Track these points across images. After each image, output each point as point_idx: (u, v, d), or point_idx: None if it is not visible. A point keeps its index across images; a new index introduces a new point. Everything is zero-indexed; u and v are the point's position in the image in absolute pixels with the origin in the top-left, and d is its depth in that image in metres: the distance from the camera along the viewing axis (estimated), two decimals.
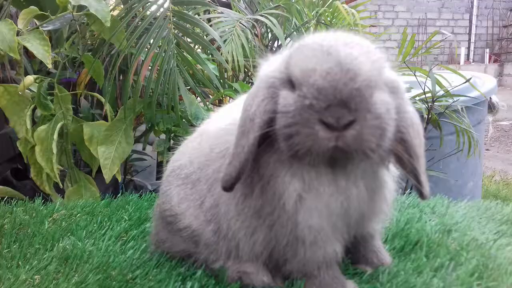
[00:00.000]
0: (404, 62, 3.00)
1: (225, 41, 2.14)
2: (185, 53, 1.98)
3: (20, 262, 1.03)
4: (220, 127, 1.00)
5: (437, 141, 3.04)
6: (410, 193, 1.54)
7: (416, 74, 2.97)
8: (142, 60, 1.96)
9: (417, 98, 2.85)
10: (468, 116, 2.79)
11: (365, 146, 0.76)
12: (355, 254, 1.06)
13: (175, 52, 1.93)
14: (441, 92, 2.70)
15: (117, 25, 1.93)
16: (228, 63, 2.19)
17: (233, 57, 2.22)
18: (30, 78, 1.92)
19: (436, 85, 2.84)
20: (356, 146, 0.76)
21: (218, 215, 0.96)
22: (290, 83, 0.81)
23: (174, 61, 1.92)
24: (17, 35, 1.76)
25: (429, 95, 2.77)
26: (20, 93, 1.91)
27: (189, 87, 2.05)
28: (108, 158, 1.99)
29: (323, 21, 2.86)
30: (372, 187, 0.91)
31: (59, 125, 1.90)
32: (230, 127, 0.91)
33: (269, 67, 0.90)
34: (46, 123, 1.93)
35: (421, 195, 0.89)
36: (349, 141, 0.75)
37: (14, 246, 1.12)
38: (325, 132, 0.74)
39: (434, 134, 3.02)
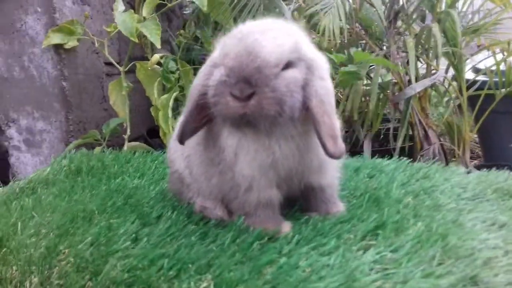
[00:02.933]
0: None
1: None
2: None
3: (86, 190, 1.51)
4: None
5: None
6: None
7: None
8: None
9: None
10: None
11: (264, 113, 1.00)
12: (307, 203, 1.27)
13: None
14: None
15: (221, 6, 2.32)
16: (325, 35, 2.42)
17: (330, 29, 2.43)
18: (156, 57, 2.44)
19: None
20: (257, 113, 1.00)
21: (190, 162, 1.28)
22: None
23: None
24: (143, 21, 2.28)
25: None
26: (149, 68, 2.45)
27: None
28: None
29: None
30: (300, 146, 1.13)
31: (174, 95, 2.39)
32: None
33: (217, 50, 1.18)
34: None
35: (327, 154, 1.07)
36: (252, 109, 1.00)
37: (92, 180, 1.61)
38: (234, 102, 1.00)
39: None
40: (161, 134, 2.51)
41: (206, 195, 1.26)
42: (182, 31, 2.62)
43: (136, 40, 2.24)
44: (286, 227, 1.18)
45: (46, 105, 2.44)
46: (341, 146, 1.07)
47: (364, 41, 3.04)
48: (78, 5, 2.50)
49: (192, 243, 1.11)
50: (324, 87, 1.08)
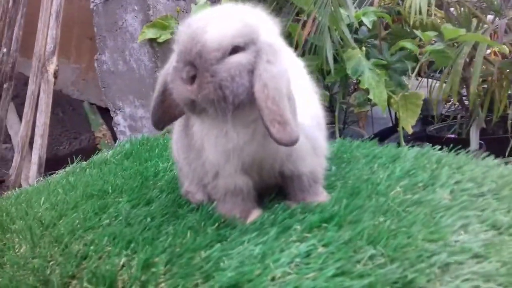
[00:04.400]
0: None
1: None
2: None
3: (122, 171, 1.65)
4: None
5: None
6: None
7: None
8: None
9: None
10: None
11: (205, 98, 1.01)
12: (286, 191, 1.22)
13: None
14: None
15: None
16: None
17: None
18: None
19: None
20: (200, 97, 1.02)
21: (177, 148, 1.33)
22: None
23: (327, 20, 2.14)
24: None
25: None
26: None
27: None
28: None
29: None
30: (259, 132, 1.10)
31: None
32: None
33: None
34: None
35: (273, 140, 1.02)
36: (195, 93, 1.02)
37: (132, 162, 1.75)
38: (182, 86, 1.04)
39: None
40: None
41: (190, 179, 1.29)
42: None
43: None
44: (254, 215, 1.16)
45: (144, 94, 2.69)
46: (291, 132, 1.01)
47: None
48: (172, 0, 2.69)
49: (154, 224, 1.16)
50: (270, 71, 1.02)
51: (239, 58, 1.01)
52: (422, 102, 2.40)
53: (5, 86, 2.44)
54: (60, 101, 4.20)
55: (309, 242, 0.96)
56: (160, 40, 2.59)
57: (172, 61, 1.11)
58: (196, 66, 0.98)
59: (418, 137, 2.78)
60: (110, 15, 2.68)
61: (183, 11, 2.69)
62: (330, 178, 1.31)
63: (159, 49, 2.62)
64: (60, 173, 1.84)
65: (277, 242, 0.99)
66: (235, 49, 1.01)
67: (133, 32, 2.65)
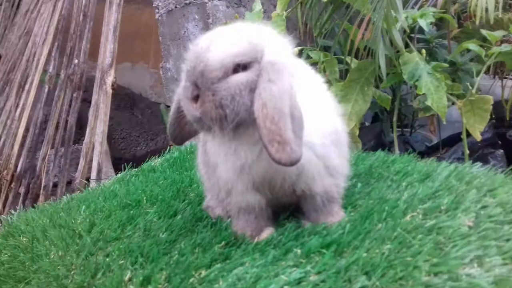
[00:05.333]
0: None
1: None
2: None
3: (164, 180, 1.71)
4: None
5: None
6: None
7: None
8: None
9: None
10: None
11: (207, 116, 1.03)
12: (303, 210, 1.19)
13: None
14: None
15: None
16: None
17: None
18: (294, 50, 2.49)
19: None
20: (203, 115, 1.04)
21: (200, 163, 1.35)
22: None
23: (380, 23, 2.04)
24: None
25: None
26: None
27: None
28: (345, 114, 2.34)
29: None
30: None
31: None
32: None
33: None
34: None
35: (272, 160, 1.01)
36: (199, 111, 1.05)
37: (174, 171, 1.80)
38: (189, 104, 1.07)
39: None
40: None
41: (209, 194, 1.31)
42: (318, 22, 2.59)
43: None
44: (265, 233, 1.15)
45: None
46: (291, 152, 0.98)
47: None
48: (232, 8, 2.72)
49: (169, 239, 1.19)
50: (270, 90, 1.00)
51: (240, 77, 1.00)
52: (491, 107, 2.22)
53: (74, 95, 2.62)
54: (140, 104, 4.42)
55: (304, 269, 0.93)
56: None
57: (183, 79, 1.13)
58: (198, 85, 1.00)
59: (491, 144, 2.57)
60: (173, 25, 2.77)
61: (242, 18, 2.71)
62: (354, 196, 1.26)
63: None
64: (113, 179, 1.93)
65: (273, 266, 0.97)
66: (238, 68, 1.01)
67: (194, 40, 2.70)
